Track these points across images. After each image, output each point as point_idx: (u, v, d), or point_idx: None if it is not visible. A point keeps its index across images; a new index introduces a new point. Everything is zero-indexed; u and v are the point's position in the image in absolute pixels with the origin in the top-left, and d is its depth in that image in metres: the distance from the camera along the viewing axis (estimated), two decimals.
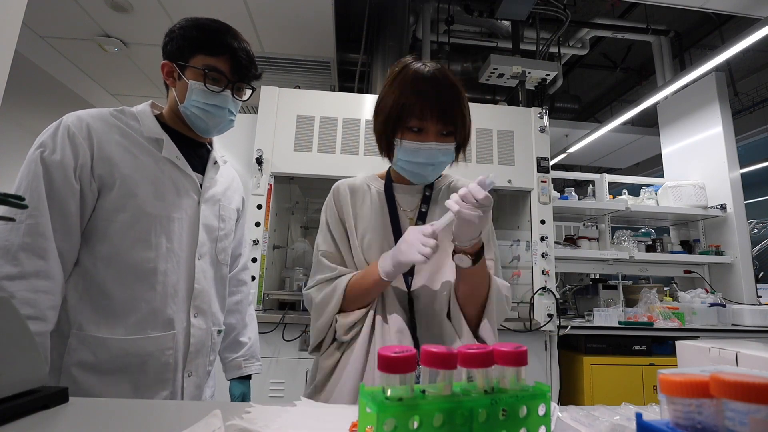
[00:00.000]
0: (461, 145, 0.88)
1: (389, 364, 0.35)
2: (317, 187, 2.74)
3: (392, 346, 0.38)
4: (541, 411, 0.38)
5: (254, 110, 2.78)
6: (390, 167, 0.96)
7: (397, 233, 0.88)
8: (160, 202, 0.87)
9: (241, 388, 1.13)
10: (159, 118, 0.95)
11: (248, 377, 1.16)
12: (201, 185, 0.96)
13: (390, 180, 0.95)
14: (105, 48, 3.33)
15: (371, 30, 3.17)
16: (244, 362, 1.14)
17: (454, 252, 0.79)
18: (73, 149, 0.81)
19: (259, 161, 2.22)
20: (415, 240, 0.74)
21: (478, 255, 0.78)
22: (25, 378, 0.54)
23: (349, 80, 3.68)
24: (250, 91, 0.98)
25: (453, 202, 0.72)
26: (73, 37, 3.26)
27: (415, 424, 0.34)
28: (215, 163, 1.01)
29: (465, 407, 0.35)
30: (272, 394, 2.00)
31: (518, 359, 0.38)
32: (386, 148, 0.89)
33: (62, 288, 0.80)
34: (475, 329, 0.85)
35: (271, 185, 2.25)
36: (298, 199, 2.93)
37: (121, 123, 0.89)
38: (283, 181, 2.48)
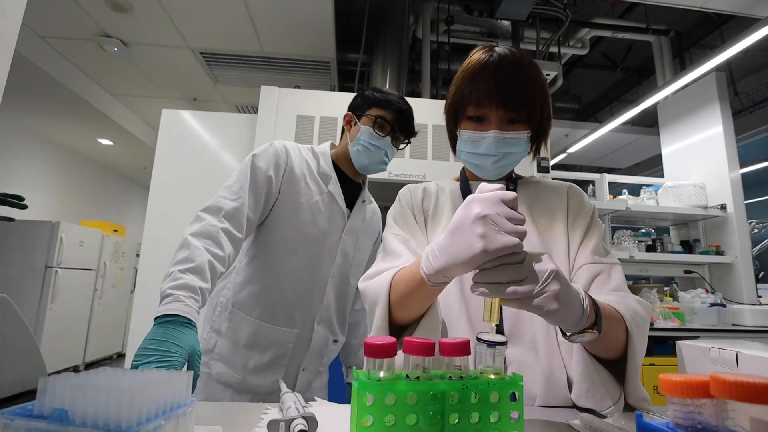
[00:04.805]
0: (539, 135, 0.77)
1: (372, 351, 0.42)
2: None
3: (379, 336, 0.42)
4: (513, 398, 0.43)
5: (254, 110, 2.77)
6: (463, 167, 0.88)
7: None
8: (314, 226, 1.08)
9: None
10: (332, 155, 1.17)
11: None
12: (348, 218, 1.14)
13: (465, 178, 0.86)
14: (105, 48, 3.33)
15: (371, 30, 3.17)
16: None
17: (567, 336, 0.56)
18: (275, 164, 1.06)
19: None
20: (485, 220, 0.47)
21: (597, 318, 0.55)
22: (25, 378, 0.54)
23: (349, 80, 3.68)
24: (405, 144, 1.16)
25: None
26: (73, 37, 3.26)
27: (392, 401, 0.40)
28: (363, 201, 1.20)
29: (438, 390, 0.41)
30: None
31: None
32: (451, 141, 0.82)
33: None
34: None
35: None
36: None
37: (307, 157, 1.14)
38: None
